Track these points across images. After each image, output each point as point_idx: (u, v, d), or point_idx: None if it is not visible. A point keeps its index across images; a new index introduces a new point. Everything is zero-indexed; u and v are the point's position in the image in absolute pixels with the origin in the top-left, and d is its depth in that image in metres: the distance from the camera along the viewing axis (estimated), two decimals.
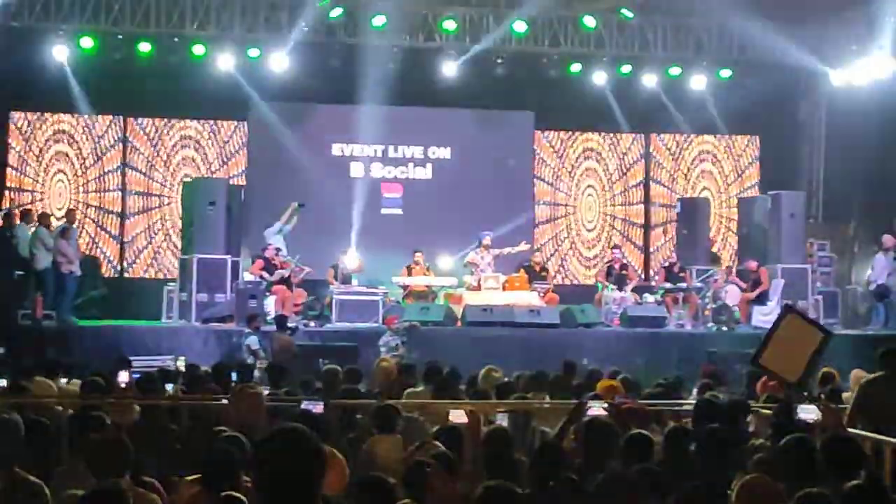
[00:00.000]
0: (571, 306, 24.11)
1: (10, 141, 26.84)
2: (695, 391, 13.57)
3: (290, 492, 4.31)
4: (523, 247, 25.79)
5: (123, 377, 13.55)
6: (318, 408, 9.55)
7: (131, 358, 16.92)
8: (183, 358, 18.60)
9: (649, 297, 25.07)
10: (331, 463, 7.43)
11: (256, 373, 16.07)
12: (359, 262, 24.90)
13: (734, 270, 26.03)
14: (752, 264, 25.12)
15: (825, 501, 6.31)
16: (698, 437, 8.54)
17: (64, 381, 14.18)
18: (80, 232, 25.90)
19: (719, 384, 13.93)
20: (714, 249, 28.75)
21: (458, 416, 9.32)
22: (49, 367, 14.39)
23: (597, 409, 9.68)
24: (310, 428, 4.55)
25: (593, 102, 27.94)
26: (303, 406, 9.68)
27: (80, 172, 27.26)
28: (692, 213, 27.33)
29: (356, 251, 25.18)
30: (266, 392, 11.56)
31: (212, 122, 27.94)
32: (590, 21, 26.63)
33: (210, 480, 7.10)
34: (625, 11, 26.16)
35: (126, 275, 27.40)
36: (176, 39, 25.86)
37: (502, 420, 10.00)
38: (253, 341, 19.75)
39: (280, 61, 26.20)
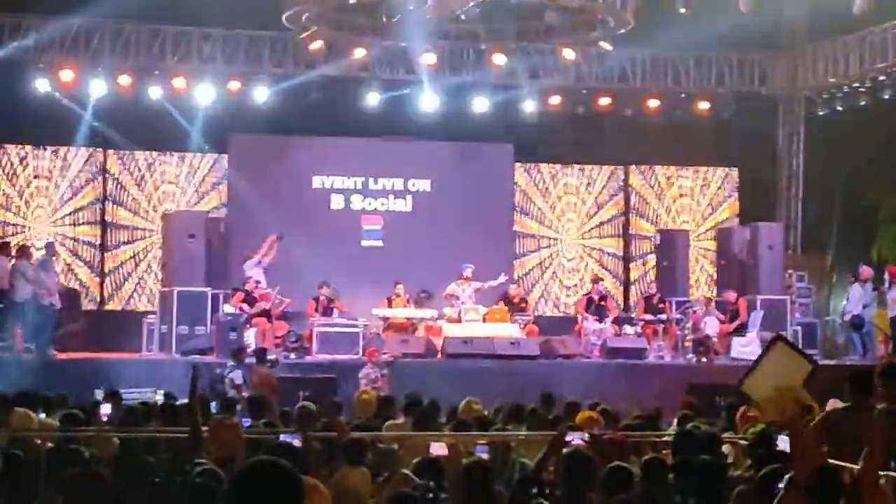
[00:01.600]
0: (551, 338, 24.11)
1: None
2: (675, 422, 13.57)
3: None
4: (502, 279, 25.82)
5: (105, 409, 13.51)
6: (296, 441, 9.54)
7: (118, 391, 16.88)
8: (162, 391, 18.57)
9: (629, 329, 25.10)
10: (314, 494, 7.44)
11: (238, 406, 16.01)
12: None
13: (713, 302, 26.08)
14: (731, 295, 25.20)
15: None
16: (678, 468, 8.55)
17: (43, 414, 14.10)
18: (60, 264, 25.82)
19: (699, 415, 13.93)
20: (692, 281, 28.79)
21: (438, 449, 9.33)
22: (28, 400, 14.31)
23: (577, 440, 9.68)
24: (288, 460, 4.54)
25: (572, 134, 28.02)
26: (281, 438, 9.66)
27: (59, 205, 27.20)
28: (671, 245, 27.42)
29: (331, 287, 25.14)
30: (246, 425, 11.55)
31: (192, 154, 27.91)
32: (568, 53, 26.70)
33: None
34: (602, 44, 26.22)
35: (106, 307, 27.33)
36: (156, 72, 25.89)
37: (482, 452, 9.99)
38: (237, 375, 19.68)
39: (260, 94, 26.26)
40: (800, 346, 24.80)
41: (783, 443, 8.65)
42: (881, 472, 8.40)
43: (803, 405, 12.79)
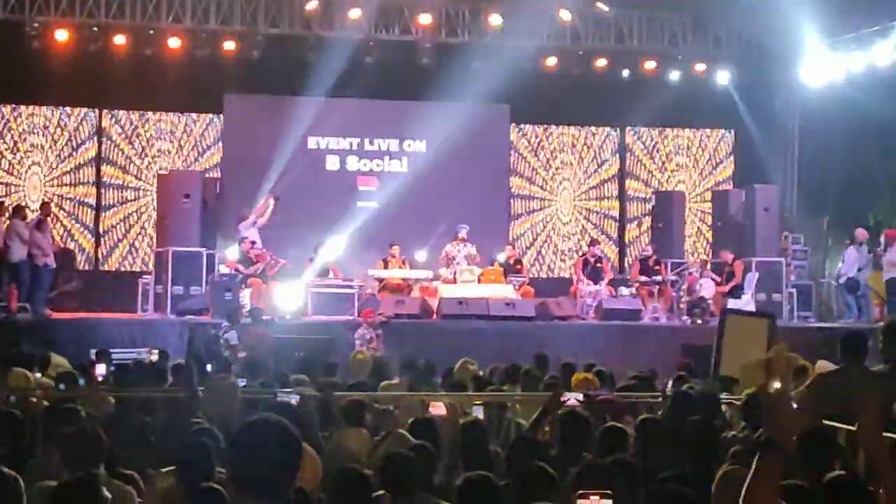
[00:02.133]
0: (547, 299, 24.13)
1: None
2: (670, 384, 13.60)
3: (267, 482, 4.30)
4: (507, 251, 25.98)
5: (101, 370, 13.53)
6: (293, 400, 9.56)
7: (110, 350, 16.92)
8: (156, 351, 18.59)
9: (624, 290, 25.15)
10: (304, 458, 7.45)
11: (234, 367, 16.03)
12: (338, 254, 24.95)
13: (709, 264, 26.08)
14: (728, 256, 25.18)
15: (804, 493, 6.34)
16: (673, 427, 8.57)
17: (38, 374, 14.13)
18: (55, 224, 25.80)
19: (694, 376, 13.96)
20: (688, 243, 28.81)
21: (437, 409, 9.35)
22: (24, 360, 14.33)
23: (572, 400, 9.70)
24: (286, 419, 4.54)
25: (569, 96, 27.95)
26: (279, 398, 9.68)
27: (54, 165, 27.18)
28: (667, 207, 27.43)
29: (338, 241, 25.15)
30: (242, 384, 11.56)
31: (187, 114, 27.87)
32: (565, 14, 26.65)
33: (185, 473, 7.10)
34: (600, 5, 26.17)
35: (101, 267, 27.34)
36: (151, 32, 25.81)
37: (478, 412, 10.02)
38: (232, 336, 19.70)
39: (255, 54, 26.19)
40: (795, 308, 25.07)
41: None
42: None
43: (798, 367, 12.83)
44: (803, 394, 9.95)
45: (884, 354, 9.92)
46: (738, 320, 4.41)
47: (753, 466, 4.19)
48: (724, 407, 10.49)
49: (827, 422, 8.31)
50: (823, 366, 11.82)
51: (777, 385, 4.18)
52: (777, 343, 4.41)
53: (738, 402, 9.78)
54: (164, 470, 7.65)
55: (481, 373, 14.03)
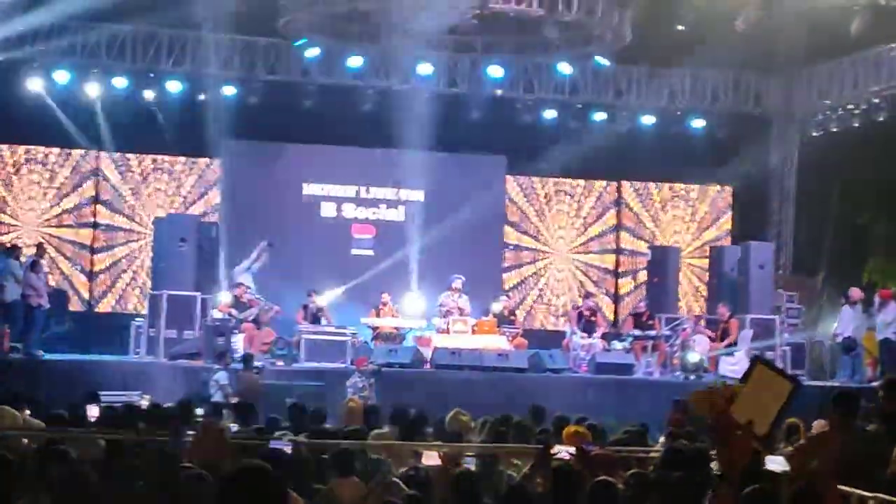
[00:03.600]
0: (540, 351, 24.09)
1: None
2: (662, 439, 13.56)
3: None
4: (503, 301, 25.98)
5: (93, 412, 13.49)
6: (286, 448, 9.52)
7: (98, 393, 16.85)
8: (148, 396, 18.58)
9: (618, 345, 25.11)
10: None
11: (224, 411, 15.98)
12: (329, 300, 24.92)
13: (703, 319, 26.06)
14: (724, 311, 25.12)
15: None
16: (664, 483, 8.53)
17: (28, 413, 14.05)
18: (49, 265, 25.76)
19: (687, 433, 13.90)
20: (683, 298, 28.80)
21: (430, 458, 9.31)
22: (14, 400, 14.26)
23: (564, 454, 9.66)
24: (277, 467, 4.53)
25: (566, 148, 27.99)
26: (271, 445, 9.64)
27: (50, 205, 27.18)
28: (662, 261, 27.43)
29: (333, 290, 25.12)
30: (234, 429, 11.52)
31: (185, 158, 27.89)
32: (565, 68, 26.74)
33: None
34: (599, 59, 26.27)
35: (95, 309, 27.30)
36: (151, 75, 25.89)
37: (470, 464, 9.97)
38: (222, 377, 19.68)
39: (255, 100, 26.27)
40: (788, 366, 25.02)
41: (771, 463, 8.64)
42: (871, 494, 8.40)
43: (790, 425, 12.81)
44: (795, 452, 9.94)
45: (885, 408, 9.93)
46: (766, 372, 4.42)
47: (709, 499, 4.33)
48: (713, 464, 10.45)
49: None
50: (821, 425, 11.80)
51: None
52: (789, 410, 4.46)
53: None
54: None
55: (473, 424, 13.97)
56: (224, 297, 24.26)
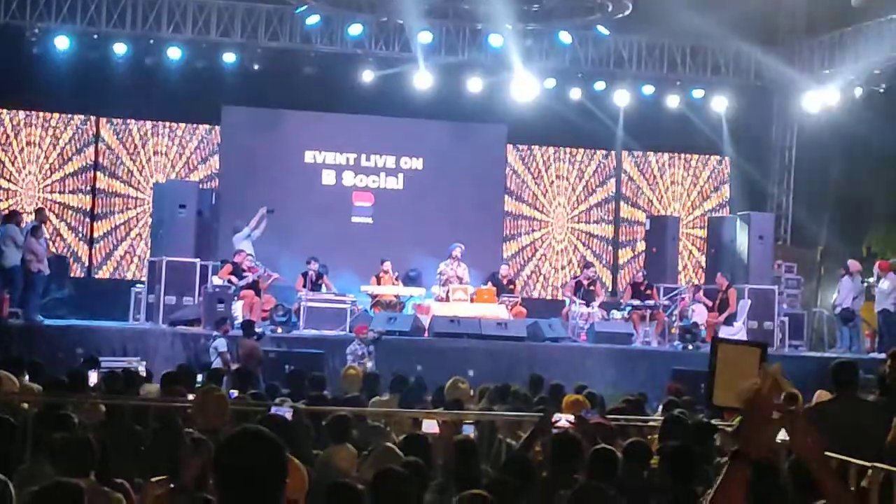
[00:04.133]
0: (539, 320, 24.13)
1: None
2: (660, 408, 13.62)
3: (252, 493, 4.28)
4: (504, 270, 26.04)
5: (94, 377, 13.54)
6: (287, 413, 9.55)
7: (98, 358, 16.92)
8: (144, 362, 18.66)
9: (616, 314, 25.16)
10: (291, 472, 7.43)
11: (224, 377, 16.01)
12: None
13: (701, 289, 26.09)
14: (723, 280, 25.15)
15: None
16: (664, 453, 8.57)
17: (27, 378, 14.09)
18: (50, 231, 25.76)
19: (685, 402, 13.96)
20: (681, 268, 28.83)
21: (430, 426, 9.34)
22: (13, 365, 14.29)
23: (563, 422, 9.70)
24: (277, 433, 4.53)
25: (566, 118, 27.97)
26: (271, 411, 9.67)
27: (51, 171, 27.18)
28: (661, 231, 27.42)
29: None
30: (234, 396, 11.56)
31: (185, 125, 27.88)
32: (565, 37, 26.69)
33: (176, 482, 7.08)
34: (600, 28, 26.22)
35: (95, 275, 27.33)
36: (151, 41, 25.85)
37: (469, 431, 10.02)
38: (221, 344, 19.70)
39: (255, 67, 26.24)
40: (787, 337, 25.08)
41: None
42: (870, 464, 8.43)
43: (788, 394, 12.84)
44: (798, 422, 9.94)
45: (890, 377, 9.97)
46: (729, 349, 4.39)
47: (723, 471, 4.28)
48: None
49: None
50: (823, 395, 11.84)
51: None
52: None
53: (729, 429, 9.80)
54: (154, 479, 7.63)
55: (472, 392, 14.02)
56: (224, 264, 24.26)
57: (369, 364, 19.90)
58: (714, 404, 4.68)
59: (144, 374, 16.02)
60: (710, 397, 4.49)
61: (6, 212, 23.52)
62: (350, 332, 22.29)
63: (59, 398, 11.32)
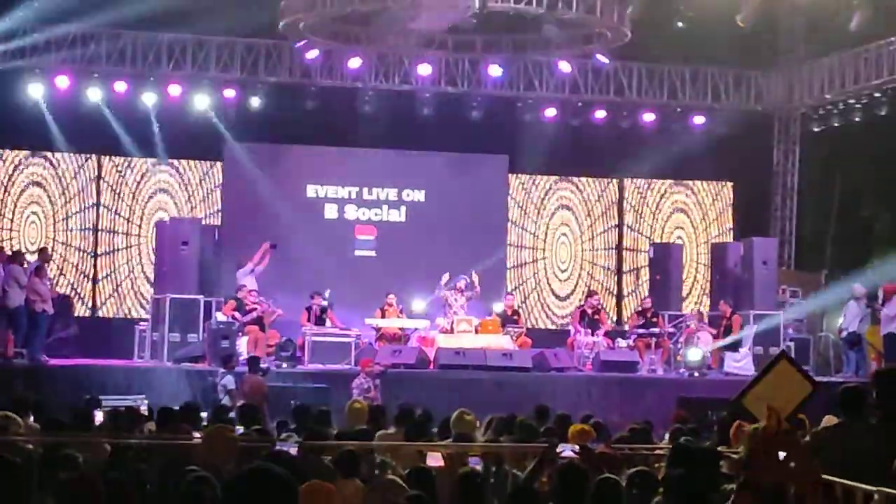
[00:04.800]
0: (544, 350, 24.09)
1: None
2: (666, 436, 13.56)
3: None
4: (507, 301, 25.98)
5: (99, 416, 13.50)
6: (292, 449, 9.51)
7: (101, 397, 16.89)
8: (147, 400, 18.64)
9: (622, 342, 25.11)
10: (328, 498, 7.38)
11: (232, 414, 15.97)
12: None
13: (706, 316, 26.05)
14: (726, 308, 25.12)
15: None
16: (670, 482, 8.52)
17: (32, 420, 14.05)
18: (53, 271, 25.74)
19: (691, 430, 13.90)
20: (686, 295, 28.78)
21: (434, 459, 9.30)
22: (18, 405, 14.25)
23: (568, 452, 9.67)
24: (282, 468, 4.51)
25: (567, 147, 28.00)
26: (277, 447, 9.63)
27: (53, 211, 27.19)
28: (665, 259, 27.41)
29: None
30: (239, 432, 11.51)
31: (186, 161, 27.88)
32: (565, 66, 26.73)
33: None
34: (599, 56, 26.25)
35: (99, 314, 27.31)
36: (151, 79, 25.89)
37: (475, 464, 9.97)
38: (229, 381, 19.68)
39: (256, 102, 26.28)
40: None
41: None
42: (875, 489, 8.39)
43: (781, 417, 12.80)
44: (805, 447, 9.92)
45: (878, 402, 9.93)
46: (788, 369, 4.41)
47: (731, 498, 4.30)
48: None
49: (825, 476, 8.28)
50: (830, 420, 11.79)
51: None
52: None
53: (736, 456, 9.75)
54: None
55: (478, 424, 13.96)
56: (227, 300, 24.25)
57: (376, 398, 19.84)
58: (741, 403, 4.70)
59: (146, 413, 15.95)
60: (742, 395, 4.51)
61: (9, 252, 23.51)
62: (355, 365, 22.26)
63: (63, 438, 11.27)
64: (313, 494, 7.00)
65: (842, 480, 8.55)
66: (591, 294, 26.67)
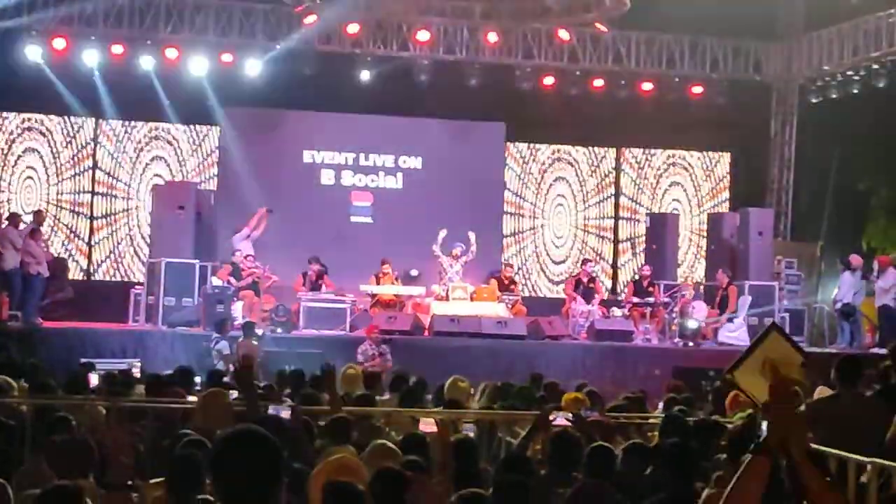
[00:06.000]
0: (539, 318, 24.11)
1: None
2: (661, 406, 13.59)
3: (249, 493, 4.26)
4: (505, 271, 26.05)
5: (95, 380, 13.52)
6: (284, 413, 9.49)
7: (95, 361, 16.90)
8: (139, 364, 18.65)
9: (617, 311, 25.12)
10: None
11: (226, 378, 15.97)
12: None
13: (701, 286, 26.07)
14: (723, 278, 25.08)
15: None
16: (664, 451, 8.54)
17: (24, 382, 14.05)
18: (48, 233, 25.73)
19: (685, 399, 13.93)
20: (681, 265, 28.80)
21: (427, 425, 9.29)
22: (12, 367, 14.25)
23: (562, 420, 9.67)
24: (274, 432, 4.50)
25: (565, 115, 27.98)
26: (270, 411, 9.62)
27: (49, 173, 27.16)
28: (661, 229, 27.40)
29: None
30: (234, 397, 11.51)
31: (183, 126, 27.84)
32: (564, 34, 26.67)
33: (175, 484, 7.06)
34: (598, 25, 26.19)
35: (93, 277, 27.30)
36: (148, 42, 25.82)
37: (469, 431, 9.98)
38: (224, 346, 19.70)
39: (253, 67, 26.21)
40: (787, 332, 25.03)
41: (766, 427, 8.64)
42: (868, 460, 8.42)
43: (791, 380, 12.83)
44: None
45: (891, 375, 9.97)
46: (780, 341, 4.37)
47: (742, 466, 4.25)
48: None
49: (818, 447, 8.29)
50: (824, 391, 11.82)
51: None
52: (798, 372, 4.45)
53: (730, 426, 9.78)
54: (153, 481, 7.61)
55: (472, 391, 13.98)
56: (223, 265, 24.25)
57: (377, 364, 19.87)
58: (730, 377, 4.69)
59: (139, 376, 15.95)
60: (732, 369, 4.48)
61: (5, 214, 23.49)
62: (350, 331, 22.27)
63: (56, 400, 11.29)
64: (339, 470, 7.01)
65: (835, 451, 8.58)
66: (584, 262, 26.66)
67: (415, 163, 28.18)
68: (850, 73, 26.63)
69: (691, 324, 24.27)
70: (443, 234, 24.67)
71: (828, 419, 9.60)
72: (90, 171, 27.46)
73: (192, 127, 27.91)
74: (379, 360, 20.30)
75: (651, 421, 11.74)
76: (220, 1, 26.01)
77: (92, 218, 27.45)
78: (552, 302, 27.68)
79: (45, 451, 7.97)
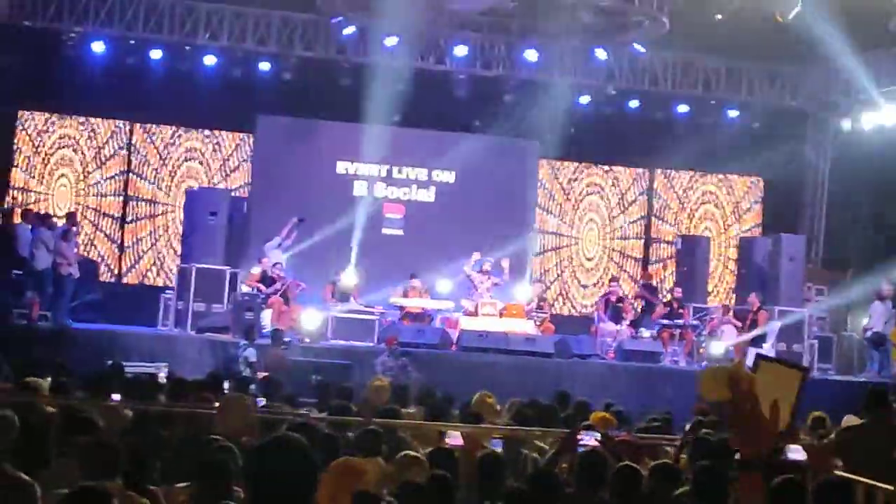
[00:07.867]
0: (567, 337, 24.09)
1: (16, 141, 26.87)
2: (687, 428, 13.54)
3: (284, 502, 4.28)
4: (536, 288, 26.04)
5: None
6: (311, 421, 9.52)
7: (124, 363, 16.94)
8: (165, 365, 18.69)
9: (645, 332, 25.07)
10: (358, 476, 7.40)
11: (252, 386, 16.01)
12: (356, 282, 24.77)
13: (731, 310, 26.01)
14: (755, 300, 25.01)
15: None
16: (692, 473, 8.52)
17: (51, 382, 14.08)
18: (80, 235, 25.84)
19: (712, 422, 13.87)
20: (711, 288, 28.72)
21: (454, 439, 9.29)
22: (41, 367, 14.30)
23: (590, 439, 9.66)
24: (308, 440, 4.52)
25: (599, 135, 27.98)
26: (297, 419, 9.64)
27: (83, 176, 27.28)
28: (692, 251, 27.36)
29: (355, 269, 25.02)
30: (261, 404, 11.54)
31: (218, 132, 27.94)
32: (601, 54, 26.66)
33: (202, 489, 7.08)
34: (636, 46, 26.16)
35: (124, 280, 27.40)
36: (187, 48, 25.94)
37: (495, 446, 9.98)
38: (251, 353, 19.73)
39: (290, 76, 26.28)
40: (815, 360, 24.92)
41: (793, 453, 8.63)
42: (882, 485, 8.38)
43: (815, 417, 12.77)
44: (827, 446, 9.92)
45: None
46: (769, 367, 4.33)
47: (738, 488, 4.27)
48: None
49: (846, 475, 8.27)
50: (851, 420, 11.79)
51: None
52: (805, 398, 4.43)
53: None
54: (179, 485, 7.63)
55: (499, 407, 13.96)
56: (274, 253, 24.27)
57: (399, 376, 19.83)
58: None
59: (165, 381, 15.97)
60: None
61: (39, 215, 23.57)
62: (379, 343, 22.27)
63: (84, 402, 11.31)
64: (344, 472, 7.00)
65: (863, 479, 8.54)
66: (612, 279, 26.69)
67: (448, 177, 28.18)
68: (883, 100, 26.52)
69: (716, 348, 24.21)
70: (476, 255, 24.73)
71: (856, 448, 9.57)
72: (124, 175, 27.55)
73: (227, 134, 27.98)
74: (398, 372, 20.22)
75: (677, 443, 11.69)
76: (259, 10, 26.07)
77: (124, 221, 27.54)
78: (581, 320, 27.66)
79: (74, 453, 7.99)
